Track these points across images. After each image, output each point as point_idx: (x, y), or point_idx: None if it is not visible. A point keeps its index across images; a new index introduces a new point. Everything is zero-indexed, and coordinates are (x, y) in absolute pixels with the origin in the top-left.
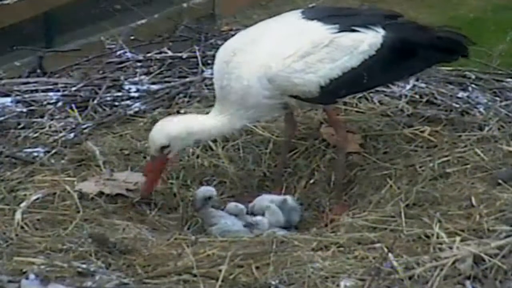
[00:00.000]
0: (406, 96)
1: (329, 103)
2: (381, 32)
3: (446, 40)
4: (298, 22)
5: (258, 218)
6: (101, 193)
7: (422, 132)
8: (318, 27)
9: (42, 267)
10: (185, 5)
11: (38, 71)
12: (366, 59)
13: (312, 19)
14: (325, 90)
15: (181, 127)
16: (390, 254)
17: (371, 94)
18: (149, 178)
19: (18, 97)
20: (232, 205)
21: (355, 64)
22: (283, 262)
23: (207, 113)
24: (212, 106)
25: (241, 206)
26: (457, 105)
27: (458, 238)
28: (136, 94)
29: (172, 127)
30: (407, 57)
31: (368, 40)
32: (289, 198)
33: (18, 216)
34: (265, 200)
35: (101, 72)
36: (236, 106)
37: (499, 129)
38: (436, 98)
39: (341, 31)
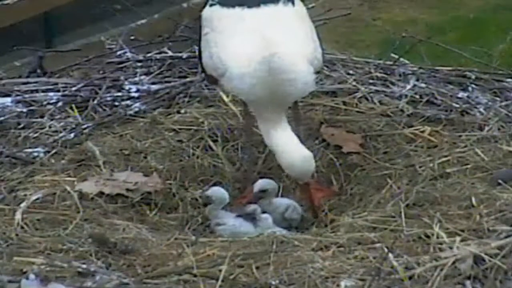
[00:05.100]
0: (406, 96)
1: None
2: None
3: None
4: (252, 12)
5: (263, 215)
6: (101, 193)
7: (422, 132)
8: (272, 8)
9: (42, 267)
10: (185, 5)
11: (38, 71)
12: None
13: (257, 5)
14: (324, 57)
15: (304, 148)
16: (390, 254)
17: (371, 94)
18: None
19: (18, 97)
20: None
21: (312, 25)
22: (283, 262)
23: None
24: (211, 106)
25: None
26: (457, 105)
27: (458, 238)
28: (136, 94)
29: (307, 152)
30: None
31: (298, 2)
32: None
33: (18, 216)
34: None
35: (101, 72)
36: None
37: (499, 129)
38: (436, 98)
39: (284, 3)
